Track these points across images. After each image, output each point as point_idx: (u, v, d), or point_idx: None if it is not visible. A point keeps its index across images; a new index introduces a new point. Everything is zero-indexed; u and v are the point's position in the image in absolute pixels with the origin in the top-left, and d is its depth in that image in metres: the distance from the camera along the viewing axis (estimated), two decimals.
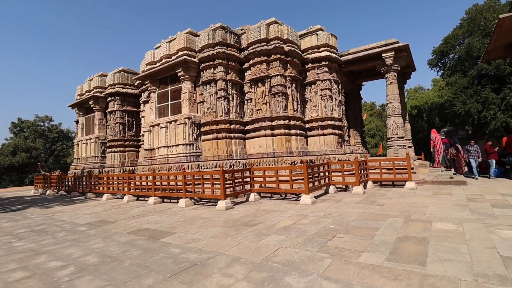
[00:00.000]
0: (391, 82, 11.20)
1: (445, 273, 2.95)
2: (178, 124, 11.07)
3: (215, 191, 8.74)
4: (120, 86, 15.78)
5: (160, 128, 11.81)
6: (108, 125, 16.30)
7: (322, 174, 9.00)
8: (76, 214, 8.74)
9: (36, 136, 37.23)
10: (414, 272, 3.00)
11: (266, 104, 10.54)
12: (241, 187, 8.86)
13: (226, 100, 10.70)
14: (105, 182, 12.40)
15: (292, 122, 10.47)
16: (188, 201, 8.83)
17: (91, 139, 16.74)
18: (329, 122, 11.12)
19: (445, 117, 29.43)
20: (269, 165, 9.95)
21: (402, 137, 10.97)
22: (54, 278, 3.61)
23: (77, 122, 18.96)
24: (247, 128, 11.22)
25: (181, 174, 8.97)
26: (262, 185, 9.10)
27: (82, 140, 17.51)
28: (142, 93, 13.98)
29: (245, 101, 11.31)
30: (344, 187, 10.06)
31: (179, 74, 11.27)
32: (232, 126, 10.77)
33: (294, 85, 10.90)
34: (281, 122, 10.20)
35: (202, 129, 11.07)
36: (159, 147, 11.84)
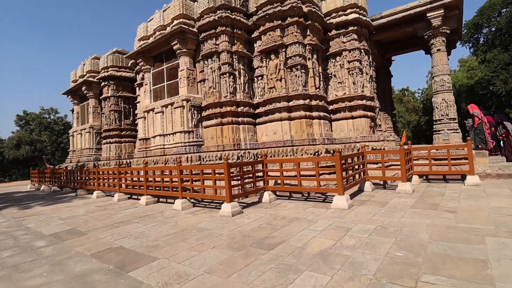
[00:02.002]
0: (438, 50, 8.91)
1: None
2: (174, 108, 9.18)
3: (219, 191, 6.86)
4: (114, 69, 13.95)
5: (155, 113, 9.97)
6: (103, 113, 14.59)
7: (356, 167, 6.96)
8: (50, 219, 7.08)
9: (41, 128, 36.31)
10: None
11: (281, 80, 8.48)
12: (252, 184, 6.95)
13: (231, 76, 8.69)
14: (95, 178, 10.76)
15: (314, 102, 8.40)
16: (185, 202, 7.00)
17: (85, 129, 15.13)
18: (360, 102, 8.98)
19: (475, 100, 26.47)
20: (287, 156, 7.97)
21: (454, 119, 8.75)
22: None
23: (73, 111, 17.40)
24: (257, 111, 9.22)
25: (176, 168, 7.12)
26: (279, 181, 7.16)
27: (76, 131, 15.95)
28: (137, 75, 12.11)
29: (255, 79, 9.28)
30: (382, 183, 8.01)
31: (175, 47, 9.30)
32: (239, 109, 8.80)
33: (315, 56, 8.77)
34: (301, 102, 8.15)
35: (204, 114, 9.15)
36: (155, 136, 10.03)
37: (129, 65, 13.61)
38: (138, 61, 10.99)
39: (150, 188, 8.20)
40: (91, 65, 14.78)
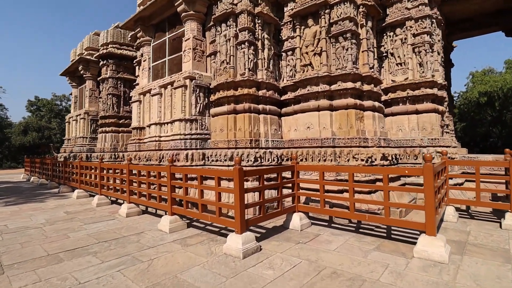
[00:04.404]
0: None
1: None
2: (175, 89, 6.94)
3: (225, 212, 4.58)
4: (114, 46, 11.94)
5: (152, 96, 7.78)
6: (101, 98, 12.64)
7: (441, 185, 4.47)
8: None
9: (52, 115, 35.31)
10: None
11: (320, 54, 6.08)
12: (276, 202, 4.60)
13: (251, 47, 6.36)
14: (77, 173, 8.74)
15: (366, 87, 5.94)
16: (176, 220, 4.76)
17: (80, 115, 13.22)
18: (429, 91, 6.43)
19: None
20: (325, 160, 5.56)
21: None
22: None
23: (71, 95, 15.60)
24: (284, 98, 6.87)
25: (165, 170, 4.88)
26: (316, 198, 4.79)
27: (72, 117, 14.09)
28: (138, 52, 10.00)
29: (283, 55, 6.92)
30: (463, 208, 5.53)
31: (179, 9, 7.07)
32: (260, 93, 6.46)
33: (370, 23, 6.30)
34: (349, 84, 5.71)
35: (212, 97, 6.87)
36: (150, 125, 7.85)
37: (129, 41, 11.52)
38: (137, 32, 8.85)
39: (135, 193, 6.03)
40: (90, 41, 12.84)
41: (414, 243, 3.63)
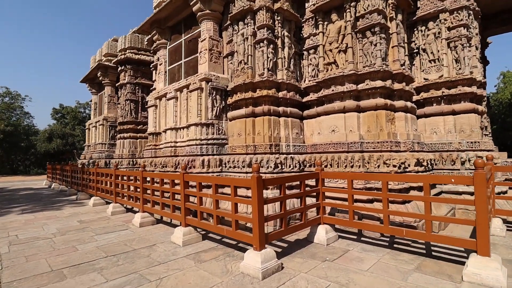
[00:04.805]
0: None
1: None
2: (190, 92, 6.68)
3: (243, 223, 4.18)
4: (132, 51, 11.97)
5: (167, 100, 7.57)
6: (119, 104, 12.68)
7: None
8: None
9: (76, 123, 36.50)
10: None
11: (345, 51, 5.61)
12: (300, 214, 4.14)
13: (270, 46, 5.98)
14: (93, 180, 8.64)
15: (397, 85, 5.40)
16: (189, 232, 4.40)
17: (99, 121, 13.33)
18: (467, 89, 5.79)
19: None
20: (353, 166, 5.05)
21: None
22: None
23: (91, 102, 15.87)
24: (306, 99, 6.43)
25: (179, 177, 4.55)
26: (342, 208, 4.30)
27: (92, 123, 14.27)
28: (155, 56, 9.91)
29: (304, 54, 6.50)
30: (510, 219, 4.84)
31: (195, 8, 6.84)
32: (280, 94, 6.06)
33: (400, 16, 5.77)
34: (378, 83, 5.20)
35: (230, 100, 6.54)
36: (166, 130, 7.63)
37: (146, 45, 11.50)
38: (153, 36, 8.73)
39: (149, 201, 5.76)
40: (108, 47, 12.98)
41: (460, 263, 3.14)
